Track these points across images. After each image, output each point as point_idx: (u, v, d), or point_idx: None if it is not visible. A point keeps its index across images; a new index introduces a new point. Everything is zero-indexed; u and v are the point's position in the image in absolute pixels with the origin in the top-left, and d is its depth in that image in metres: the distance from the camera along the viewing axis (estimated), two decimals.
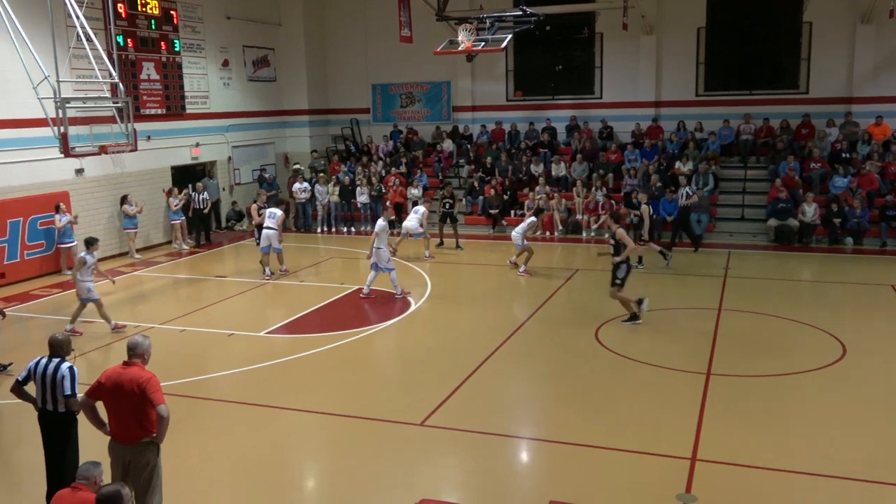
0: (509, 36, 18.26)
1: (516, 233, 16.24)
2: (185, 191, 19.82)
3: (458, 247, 18.72)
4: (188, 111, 21.18)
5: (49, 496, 6.31)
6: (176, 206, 19.44)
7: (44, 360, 6.66)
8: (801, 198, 18.73)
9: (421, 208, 17.95)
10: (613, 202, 19.45)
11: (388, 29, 21.71)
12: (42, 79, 14.05)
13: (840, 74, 21.25)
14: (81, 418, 6.46)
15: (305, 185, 22.05)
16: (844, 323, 12.18)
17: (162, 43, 20.03)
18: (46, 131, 14.47)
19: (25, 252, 16.43)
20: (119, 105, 15.49)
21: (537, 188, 20.72)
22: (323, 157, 25.01)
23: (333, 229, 21.98)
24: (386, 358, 11.58)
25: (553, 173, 21.75)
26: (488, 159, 22.54)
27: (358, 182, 22.05)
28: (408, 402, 9.35)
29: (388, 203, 21.42)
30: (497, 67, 24.33)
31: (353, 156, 24.72)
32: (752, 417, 8.73)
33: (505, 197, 21.10)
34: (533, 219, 16.86)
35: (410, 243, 18.25)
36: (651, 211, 16.54)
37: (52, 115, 14.05)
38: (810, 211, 18.35)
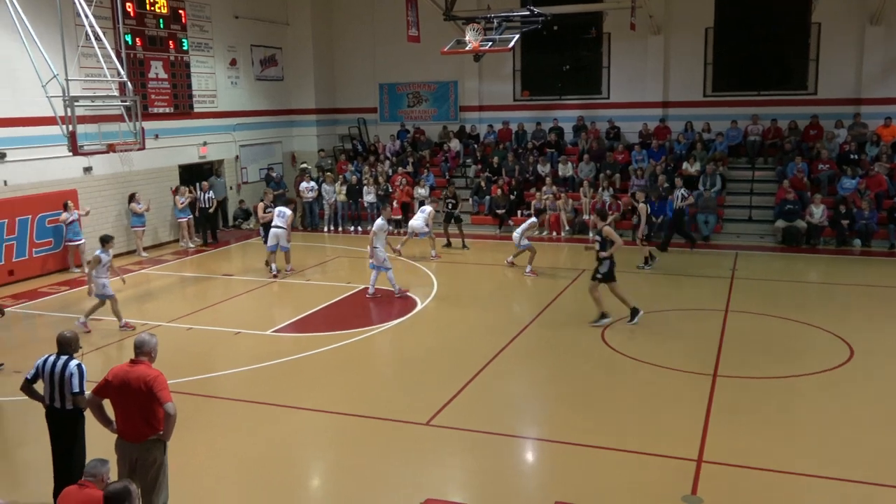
0: (517, 36, 18.25)
1: (516, 233, 16.28)
2: (187, 189, 19.85)
3: (464, 247, 18.72)
4: (196, 110, 21.24)
5: (56, 493, 6.34)
6: (182, 204, 19.49)
7: (52, 358, 6.69)
8: (808, 199, 18.66)
9: (427, 208, 17.96)
10: (620, 203, 19.42)
11: (396, 28, 21.73)
12: (51, 77, 14.10)
13: (848, 75, 21.17)
14: (88, 416, 6.49)
15: (312, 184, 22.08)
16: (852, 325, 12.13)
17: (170, 42, 20.08)
18: (55, 129, 14.52)
19: (34, 250, 16.50)
20: (127, 103, 15.55)
21: (544, 188, 20.71)
22: (330, 156, 25.04)
23: (340, 228, 22.01)
24: (392, 357, 11.59)
25: (560, 173, 21.73)
26: (495, 159, 22.53)
27: (365, 181, 22.07)
28: (413, 401, 9.35)
29: (393, 202, 21.48)
30: (504, 67, 24.33)
31: (360, 155, 24.74)
32: (759, 419, 8.71)
33: (511, 197, 21.09)
34: (533, 219, 16.87)
35: (416, 243, 18.26)
36: (649, 210, 16.47)
37: (61, 113, 14.10)
38: (818, 212, 18.28)
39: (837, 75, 21.30)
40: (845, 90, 21.26)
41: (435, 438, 8.40)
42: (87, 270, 16.53)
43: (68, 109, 13.88)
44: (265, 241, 16.67)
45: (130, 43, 18.62)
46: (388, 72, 25.55)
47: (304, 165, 23.45)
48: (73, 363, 6.62)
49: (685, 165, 20.74)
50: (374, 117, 26.27)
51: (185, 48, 20.61)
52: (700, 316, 12.92)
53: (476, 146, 23.94)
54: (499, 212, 20.86)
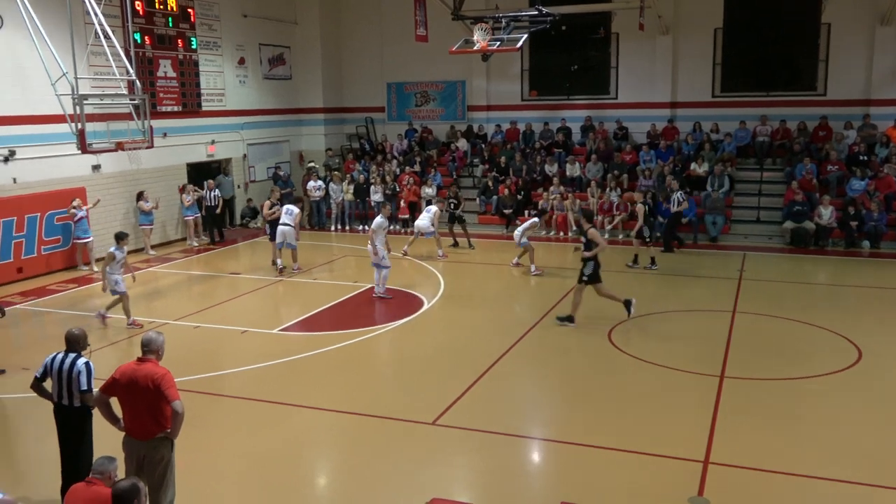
0: (525, 35, 18.22)
1: (518, 231, 16.30)
2: (191, 187, 19.89)
3: (470, 246, 18.71)
4: (204, 108, 21.29)
5: (64, 490, 6.36)
6: (189, 202, 19.55)
7: (60, 356, 6.71)
8: (817, 200, 18.59)
9: (433, 208, 17.99)
10: (628, 203, 19.37)
11: (404, 28, 21.74)
12: (60, 75, 14.18)
13: (858, 76, 21.07)
14: (96, 413, 6.51)
15: (320, 183, 22.12)
16: (860, 327, 12.08)
17: (179, 40, 20.13)
18: (64, 127, 14.60)
19: (42, 247, 16.57)
20: (136, 102, 15.61)
21: (551, 188, 20.69)
22: (337, 155, 25.08)
23: (347, 227, 22.04)
24: (398, 357, 11.59)
25: (567, 173, 21.70)
26: (502, 159, 22.52)
27: (372, 181, 22.08)
28: (419, 401, 9.36)
29: (400, 201, 21.50)
30: (512, 67, 24.31)
31: (368, 154, 24.75)
32: (766, 421, 8.68)
33: (519, 197, 21.07)
34: (535, 219, 16.85)
35: (424, 242, 18.26)
36: (646, 210, 16.43)
37: (70, 111, 14.18)
38: (826, 214, 18.22)
39: (847, 76, 21.20)
40: (855, 91, 21.16)
41: (441, 438, 8.40)
42: (99, 267, 16.71)
43: (77, 107, 13.94)
44: (271, 239, 16.71)
45: (139, 41, 18.67)
46: (396, 71, 25.55)
47: (312, 164, 23.48)
48: (81, 361, 6.64)
49: (693, 166, 20.69)
50: (381, 116, 26.29)
51: (193, 47, 20.66)
52: (707, 317, 12.88)
53: (483, 146, 23.93)
54: (506, 212, 20.85)
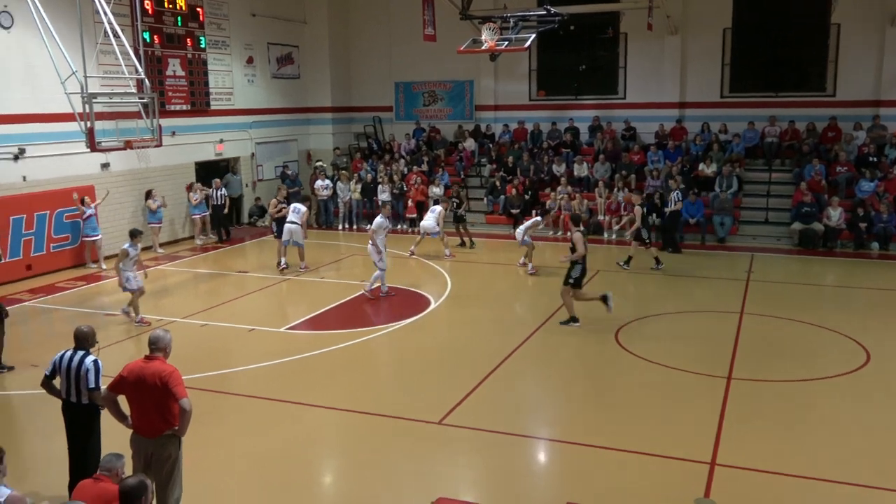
0: (533, 35, 18.21)
1: (520, 230, 16.31)
2: (198, 185, 19.96)
3: (471, 245, 18.70)
4: (212, 107, 21.34)
5: (71, 486, 6.40)
6: (196, 200, 19.61)
7: (68, 353, 6.75)
8: (826, 202, 18.52)
9: (437, 208, 18.02)
10: (628, 205, 19.29)
11: (412, 27, 21.73)
12: (70, 74, 14.24)
13: (868, 77, 20.97)
14: (104, 410, 6.54)
15: (327, 182, 22.15)
16: (869, 329, 12.03)
17: (188, 39, 20.19)
18: (73, 126, 14.67)
19: (51, 245, 16.64)
20: (145, 101, 15.67)
21: (559, 188, 20.67)
22: (345, 154, 25.11)
23: (355, 226, 22.05)
24: (405, 356, 11.59)
25: (575, 173, 21.67)
26: (510, 159, 22.51)
27: (380, 180, 22.10)
28: (426, 400, 9.37)
29: (408, 201, 21.51)
30: (520, 67, 24.28)
31: (376, 154, 24.77)
32: (773, 422, 8.66)
33: (526, 197, 21.05)
34: (538, 218, 16.85)
35: (430, 242, 18.25)
36: (645, 212, 16.39)
37: (80, 109, 14.24)
38: (835, 215, 18.15)
39: (856, 77, 21.10)
40: (864, 92, 21.06)
41: (447, 437, 8.40)
42: (107, 265, 16.81)
43: (87, 106, 14.01)
44: (277, 236, 16.75)
45: (148, 40, 18.73)
46: (404, 70, 25.57)
47: (320, 163, 23.51)
48: (90, 359, 6.67)
49: (701, 167, 20.64)
50: (389, 116, 26.29)
51: (202, 46, 20.72)
52: (715, 318, 12.85)
53: (491, 146, 23.92)
54: (513, 211, 20.82)
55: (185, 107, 20.26)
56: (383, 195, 21.72)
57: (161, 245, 18.96)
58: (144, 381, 6.00)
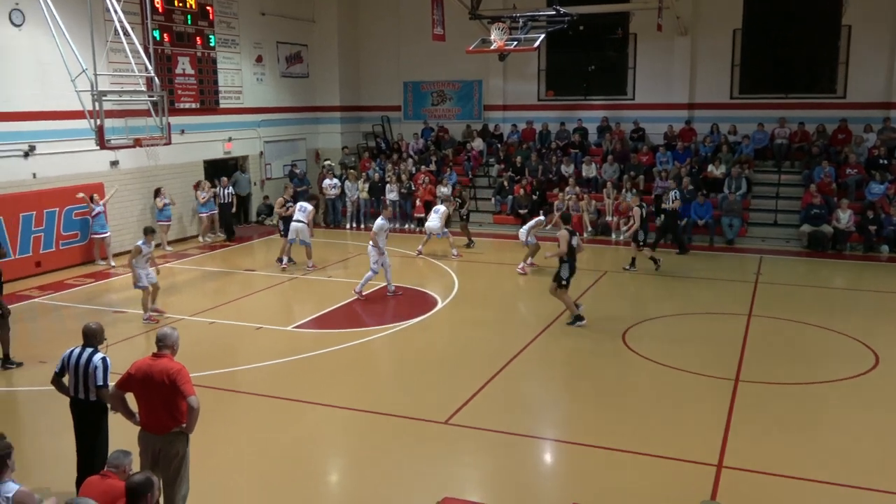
0: (542, 35, 18.19)
1: (523, 231, 16.29)
2: (206, 183, 20.01)
3: (469, 245, 18.67)
4: (222, 106, 21.39)
5: (79, 482, 6.41)
6: (204, 199, 19.66)
7: (77, 350, 6.77)
8: (835, 204, 18.45)
9: (441, 208, 18.04)
10: (652, 208, 19.22)
11: (421, 26, 21.74)
12: (80, 72, 14.29)
13: (879, 79, 20.87)
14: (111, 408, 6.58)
15: (335, 181, 22.18)
16: (878, 332, 11.97)
17: (197, 38, 20.24)
18: (83, 123, 14.72)
19: (61, 242, 16.71)
20: (154, 99, 15.71)
21: (567, 189, 20.64)
22: (353, 153, 25.13)
23: (362, 225, 22.07)
24: (411, 355, 11.59)
25: (583, 174, 21.64)
26: (518, 159, 22.49)
27: (388, 179, 22.12)
28: (432, 400, 9.37)
29: (416, 200, 21.52)
30: (529, 67, 24.26)
31: (384, 153, 24.79)
32: (781, 425, 8.62)
33: (534, 197, 21.03)
34: (541, 218, 16.85)
35: (437, 241, 18.25)
36: (643, 213, 16.34)
37: (89, 107, 14.30)
38: (845, 217, 18.07)
39: (867, 78, 20.99)
40: (875, 94, 20.96)
41: (453, 437, 8.40)
42: (116, 262, 16.90)
43: (96, 104, 14.06)
44: (283, 235, 16.79)
45: (158, 38, 18.79)
46: (413, 70, 25.57)
47: (328, 162, 23.54)
48: (98, 357, 6.70)
49: (710, 168, 20.58)
50: (397, 115, 26.31)
51: (212, 44, 20.77)
52: (723, 320, 12.81)
53: (499, 145, 23.90)
54: (521, 212, 20.80)
55: (194, 105, 20.31)
56: (391, 195, 21.74)
57: (169, 243, 19.02)
58: (152, 378, 6.03)
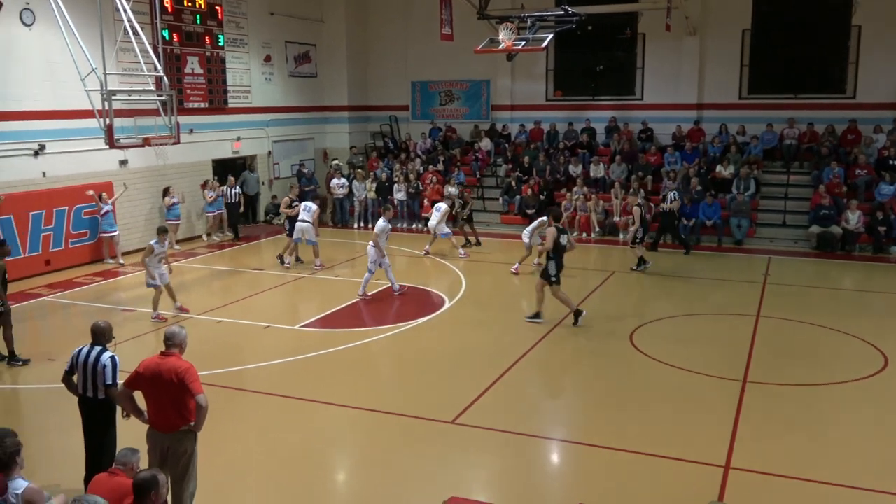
0: (550, 35, 18.17)
1: (526, 231, 16.27)
2: (214, 182, 20.07)
3: (467, 243, 18.68)
4: (230, 105, 21.46)
5: (87, 480, 6.45)
6: (211, 198, 19.72)
7: (86, 349, 6.80)
8: (844, 205, 18.37)
9: (442, 205, 18.07)
10: (652, 204, 19.23)
11: (429, 26, 21.76)
12: (90, 71, 14.36)
13: (889, 79, 20.75)
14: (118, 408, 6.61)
15: (343, 180, 22.21)
16: (887, 334, 11.90)
17: (206, 38, 20.30)
18: (93, 123, 14.79)
19: (70, 240, 16.79)
20: (163, 98, 15.77)
21: (575, 189, 20.62)
22: (361, 153, 25.16)
23: (370, 225, 22.04)
24: (418, 355, 11.59)
25: (591, 174, 21.61)
26: (526, 159, 22.47)
27: (395, 179, 22.13)
28: (439, 399, 9.37)
29: (424, 200, 21.54)
30: (537, 67, 24.24)
31: (392, 153, 24.81)
32: (789, 427, 8.60)
33: (542, 197, 21.00)
34: (544, 218, 16.82)
35: (444, 241, 18.25)
36: (642, 213, 16.30)
37: (99, 106, 14.36)
38: (854, 218, 17.99)
39: (878, 79, 20.88)
40: (886, 94, 20.84)
41: (460, 437, 8.40)
42: (125, 261, 16.97)
43: (106, 103, 14.12)
44: (289, 234, 16.84)
45: (167, 38, 18.86)
46: (421, 70, 25.58)
47: (336, 162, 23.58)
48: (106, 355, 6.72)
49: (719, 168, 20.52)
50: (405, 115, 26.33)
51: (220, 44, 20.83)
52: (731, 321, 12.78)
53: (507, 145, 23.90)
54: (528, 212, 20.77)
55: (202, 104, 20.38)
56: (399, 194, 21.76)
57: (177, 242, 19.08)
58: (161, 376, 6.05)
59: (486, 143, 24.17)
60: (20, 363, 10.60)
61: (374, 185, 22.19)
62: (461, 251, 17.83)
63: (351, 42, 25.37)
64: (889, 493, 7.10)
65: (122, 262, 17.02)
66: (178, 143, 16.24)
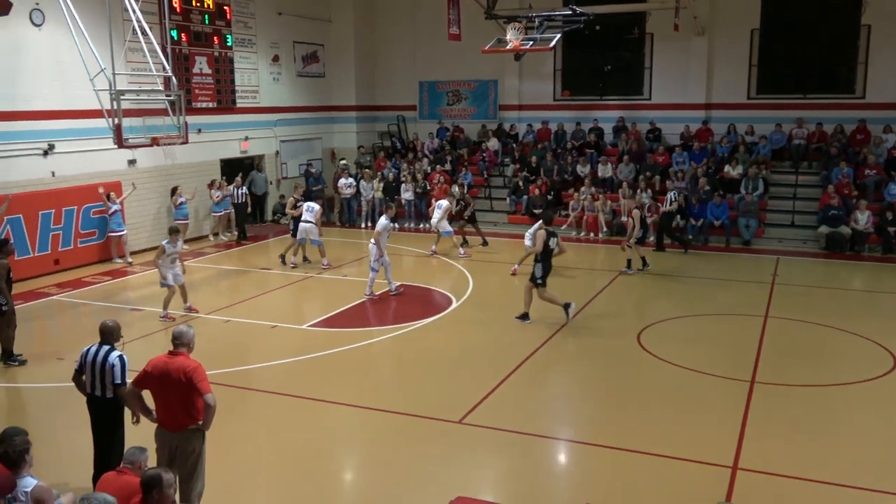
0: (558, 35, 18.13)
1: (529, 233, 16.19)
2: (221, 182, 20.11)
3: (465, 243, 18.68)
4: (238, 105, 21.51)
5: (95, 478, 6.48)
6: (218, 198, 19.77)
7: (94, 348, 6.82)
8: (853, 205, 18.28)
9: (444, 203, 18.07)
10: (659, 204, 19.20)
11: (437, 26, 21.74)
12: (98, 71, 14.40)
13: None
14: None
15: (350, 180, 22.23)
16: None
17: (215, 38, 20.35)
18: (101, 122, 14.83)
19: (79, 240, 16.85)
20: (171, 98, 15.80)
21: (582, 189, 20.59)
22: (369, 153, 25.18)
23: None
24: (425, 354, 11.59)
25: (599, 174, 21.57)
26: (533, 159, 22.45)
27: (403, 179, 22.15)
28: (446, 399, 9.38)
29: (431, 200, 21.52)
30: (545, 67, 24.21)
31: (399, 152, 24.83)
32: (797, 427, 8.57)
33: (549, 197, 20.98)
34: None
35: (448, 241, 18.24)
36: (642, 215, 16.23)
37: (108, 106, 14.38)
38: (863, 218, 17.91)
39: (887, 79, 20.76)
40: (895, 94, 20.74)
41: (467, 437, 8.40)
42: (134, 260, 17.02)
43: (114, 103, 14.15)
44: (293, 235, 16.86)
45: (176, 38, 18.92)
46: (429, 70, 25.59)
47: (343, 162, 23.61)
48: (115, 354, 6.74)
49: (727, 168, 20.45)
50: (413, 115, 26.33)
51: (229, 44, 20.88)
52: (739, 321, 12.74)
53: (515, 145, 23.88)
54: (536, 211, 20.71)
55: (211, 104, 20.43)
56: (406, 194, 21.77)
57: (185, 241, 19.10)
58: (169, 376, 6.07)
59: (493, 143, 24.15)
60: (16, 363, 10.59)
61: (382, 184, 22.21)
62: (461, 251, 17.85)
63: (359, 42, 25.40)
64: None
65: (130, 261, 17.09)
66: (186, 142, 16.25)
